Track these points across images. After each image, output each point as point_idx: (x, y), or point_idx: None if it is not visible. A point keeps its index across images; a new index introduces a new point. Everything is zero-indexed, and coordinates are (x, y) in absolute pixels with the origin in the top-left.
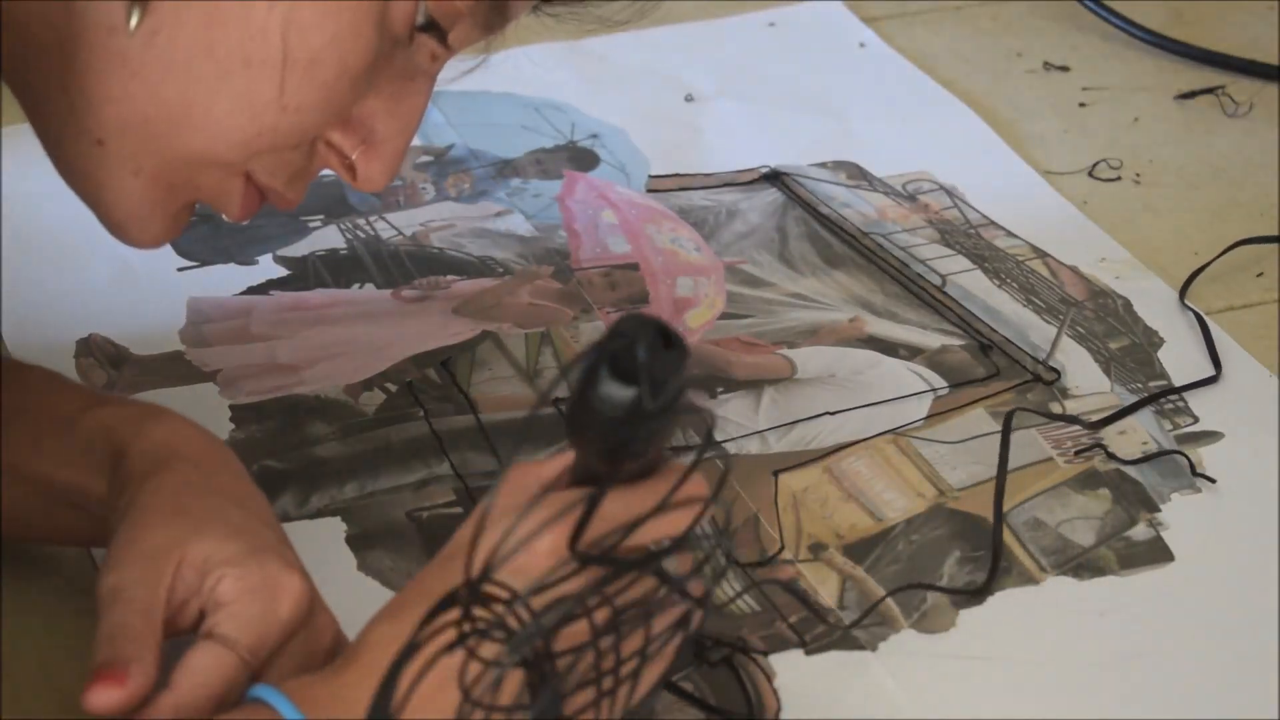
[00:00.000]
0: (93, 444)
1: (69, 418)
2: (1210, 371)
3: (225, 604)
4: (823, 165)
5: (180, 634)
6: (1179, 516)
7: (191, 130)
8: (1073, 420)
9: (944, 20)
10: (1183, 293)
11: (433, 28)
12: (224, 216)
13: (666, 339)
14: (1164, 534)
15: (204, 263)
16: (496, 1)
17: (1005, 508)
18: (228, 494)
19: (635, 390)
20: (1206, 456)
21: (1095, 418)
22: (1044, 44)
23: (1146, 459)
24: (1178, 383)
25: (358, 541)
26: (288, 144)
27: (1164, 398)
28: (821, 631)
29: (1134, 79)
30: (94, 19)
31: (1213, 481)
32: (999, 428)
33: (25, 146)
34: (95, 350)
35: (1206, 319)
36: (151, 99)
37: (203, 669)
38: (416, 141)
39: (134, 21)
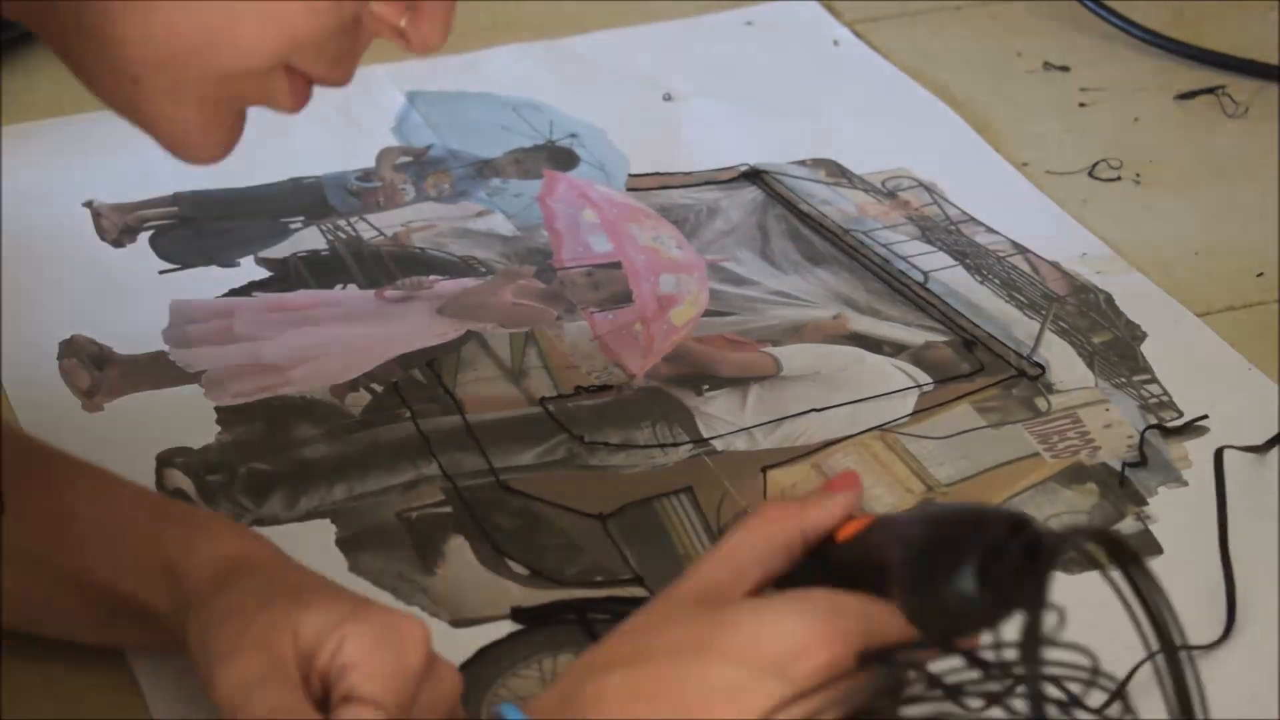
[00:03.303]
0: (140, 553)
1: (116, 525)
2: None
3: (355, 664)
4: (802, 163)
5: None
6: (1166, 510)
7: (222, 54)
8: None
9: (944, 20)
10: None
11: None
12: (277, 109)
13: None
14: (1152, 527)
15: (185, 265)
16: None
17: (994, 502)
18: (305, 578)
19: (985, 599)
20: (1192, 451)
21: (1081, 411)
22: (1044, 44)
23: (1136, 464)
24: (1161, 376)
25: (348, 544)
26: (323, 36)
27: (1149, 394)
28: None
29: (1134, 79)
30: None
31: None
32: (985, 423)
33: (14, 147)
34: (78, 351)
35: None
36: (172, 33)
37: None
38: (395, 142)
39: None
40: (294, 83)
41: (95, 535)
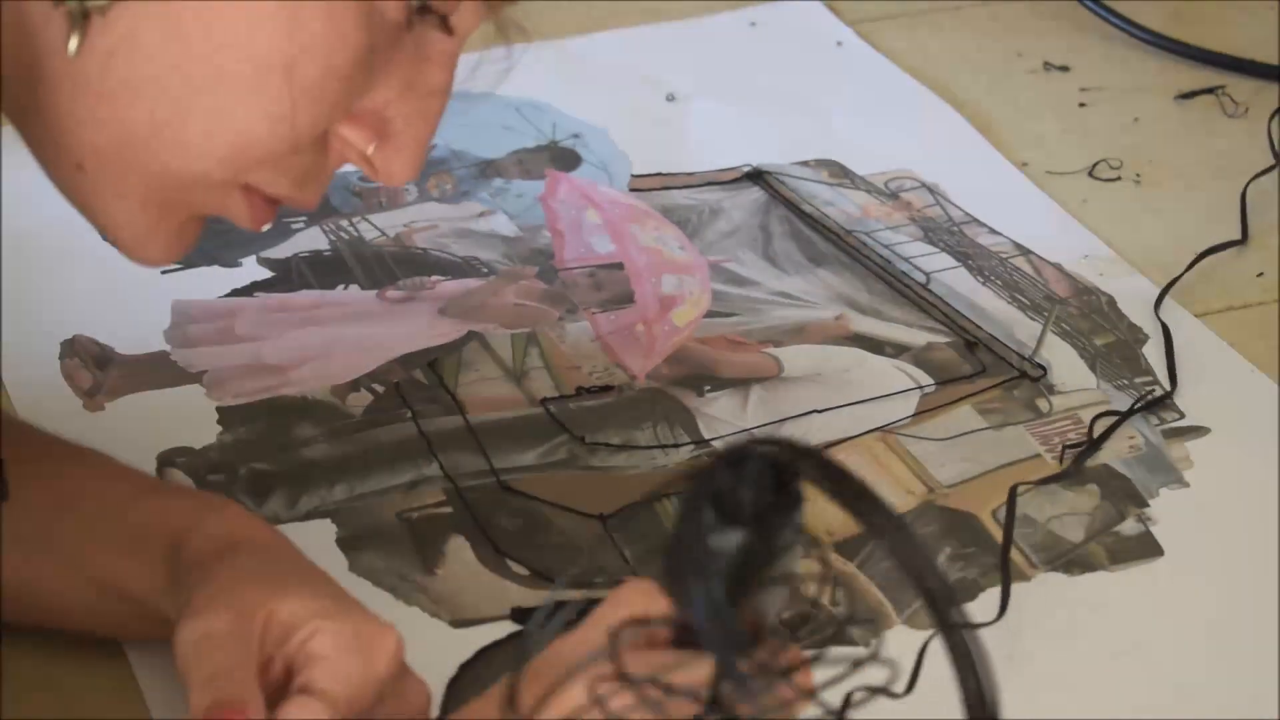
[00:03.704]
0: (146, 532)
1: (119, 505)
2: (1168, 386)
3: (321, 658)
4: (804, 164)
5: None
6: (1167, 511)
7: (169, 151)
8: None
9: (944, 20)
10: (1158, 304)
11: (427, 11)
12: (239, 226)
13: (780, 474)
14: (1153, 529)
15: (187, 265)
16: None
17: (995, 504)
18: (304, 568)
19: (743, 533)
20: (1193, 451)
21: (1083, 413)
22: (1044, 44)
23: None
24: (1164, 379)
25: (348, 543)
26: (280, 153)
27: (1142, 402)
28: (814, 628)
29: (1134, 79)
30: (48, 44)
31: None
32: (987, 424)
33: (15, 147)
34: (80, 351)
35: (1169, 328)
36: (120, 122)
37: None
38: None
39: (73, 46)
40: (253, 202)
41: (100, 514)
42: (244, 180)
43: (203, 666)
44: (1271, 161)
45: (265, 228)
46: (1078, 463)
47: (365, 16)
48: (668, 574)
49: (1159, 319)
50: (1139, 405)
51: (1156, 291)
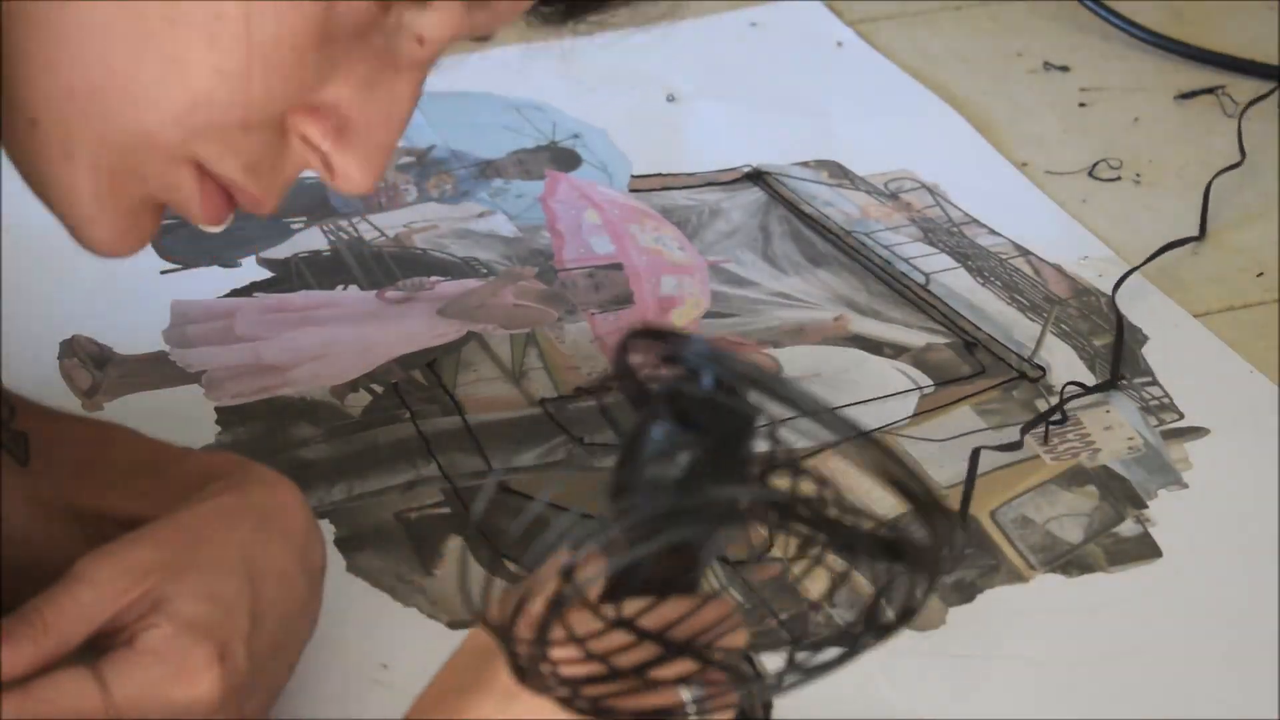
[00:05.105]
0: (186, 487)
1: (162, 463)
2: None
3: (137, 650)
4: (804, 164)
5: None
6: (1166, 512)
7: (119, 101)
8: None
9: (944, 20)
10: (1114, 291)
11: None
12: (192, 222)
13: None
14: (1151, 530)
15: (186, 265)
16: None
17: (993, 505)
18: (256, 563)
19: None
20: (1192, 452)
21: (1081, 413)
22: (1044, 44)
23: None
24: (1165, 380)
25: (346, 543)
26: (229, 119)
27: (1149, 396)
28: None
29: (1134, 79)
30: None
31: None
32: (986, 426)
33: None
34: (79, 351)
35: (1124, 322)
36: (76, 67)
37: (66, 697)
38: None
39: None
40: (206, 186)
41: (131, 466)
42: (194, 151)
43: (55, 594)
44: (1238, 157)
45: (219, 228)
46: (1026, 430)
47: None
48: (615, 489)
49: (1116, 307)
50: (1096, 384)
51: (1156, 291)
